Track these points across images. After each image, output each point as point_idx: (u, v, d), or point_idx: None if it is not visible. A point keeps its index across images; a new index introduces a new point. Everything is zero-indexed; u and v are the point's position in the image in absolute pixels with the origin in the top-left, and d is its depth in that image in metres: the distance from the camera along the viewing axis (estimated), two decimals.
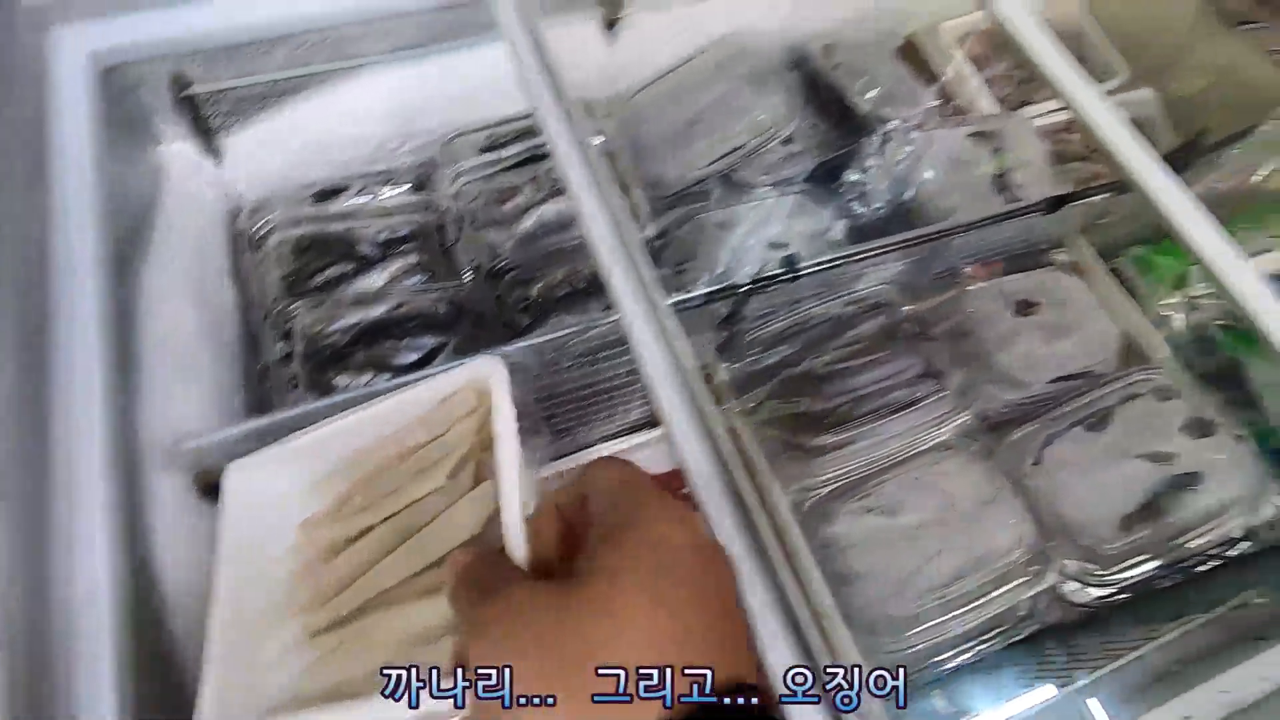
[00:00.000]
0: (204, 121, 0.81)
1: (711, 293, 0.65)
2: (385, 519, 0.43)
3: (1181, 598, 0.71)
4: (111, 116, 0.67)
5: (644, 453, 0.84)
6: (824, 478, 0.71)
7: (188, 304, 0.70)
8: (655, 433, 0.83)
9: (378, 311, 0.70)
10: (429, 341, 0.71)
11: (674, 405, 0.49)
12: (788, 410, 0.74)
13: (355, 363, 0.68)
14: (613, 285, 0.55)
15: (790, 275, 0.67)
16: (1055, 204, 0.77)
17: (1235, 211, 0.81)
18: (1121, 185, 0.64)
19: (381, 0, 0.76)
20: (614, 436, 0.83)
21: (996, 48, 1.13)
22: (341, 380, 0.67)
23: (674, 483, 0.86)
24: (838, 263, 0.68)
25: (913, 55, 1.09)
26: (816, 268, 0.68)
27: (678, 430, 0.49)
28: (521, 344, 0.63)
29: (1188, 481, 0.70)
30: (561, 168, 0.60)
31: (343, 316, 0.69)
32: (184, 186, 0.81)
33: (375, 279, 0.75)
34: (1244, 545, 0.70)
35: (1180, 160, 0.83)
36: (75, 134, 0.63)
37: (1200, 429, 0.73)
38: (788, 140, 0.93)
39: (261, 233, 0.75)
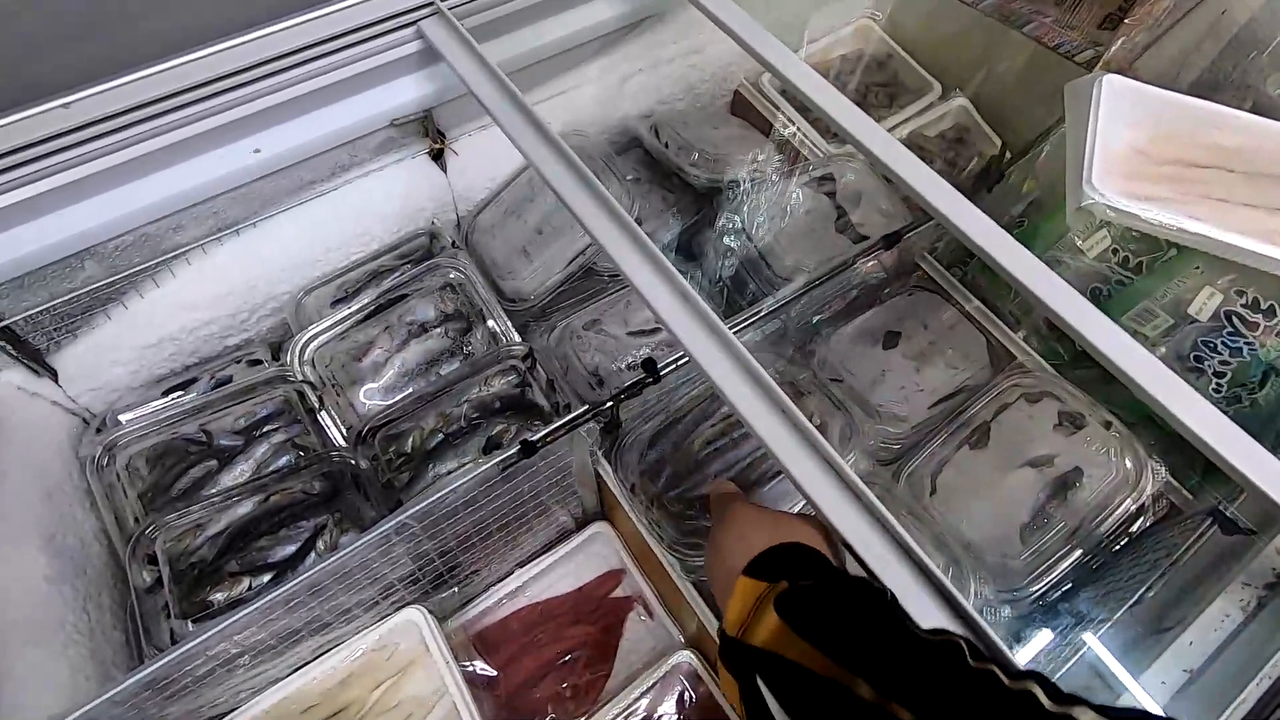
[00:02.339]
0: (27, 346, 0.77)
1: (575, 418, 0.65)
2: None
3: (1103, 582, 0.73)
4: None
5: (555, 572, 0.83)
6: None
7: (36, 551, 0.65)
8: (559, 553, 0.82)
9: (245, 509, 0.67)
10: (306, 526, 0.68)
11: None
12: (679, 501, 0.73)
13: (228, 573, 0.64)
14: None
15: (653, 379, 0.68)
16: (891, 240, 0.80)
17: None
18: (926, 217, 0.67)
19: (189, 188, 0.75)
20: (524, 563, 0.81)
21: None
22: (218, 596, 0.63)
23: (606, 584, 0.85)
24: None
25: (744, 106, 1.13)
26: (675, 365, 0.68)
27: None
28: (410, 510, 0.61)
29: (1071, 480, 0.72)
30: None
31: (208, 526, 0.66)
32: (20, 418, 0.76)
33: (241, 469, 0.72)
34: (1141, 521, 0.73)
35: (990, 180, 0.88)
36: None
37: (1071, 423, 0.76)
38: (638, 222, 0.95)
39: (106, 455, 0.71)
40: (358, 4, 0.76)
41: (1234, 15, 1.13)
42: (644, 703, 0.75)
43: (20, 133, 0.64)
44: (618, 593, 0.84)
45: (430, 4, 0.78)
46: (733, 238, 0.92)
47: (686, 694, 0.76)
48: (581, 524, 0.85)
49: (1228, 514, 0.62)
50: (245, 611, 0.58)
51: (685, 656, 0.76)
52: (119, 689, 0.55)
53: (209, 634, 0.57)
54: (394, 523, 0.59)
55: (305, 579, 0.59)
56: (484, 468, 0.62)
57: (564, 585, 0.84)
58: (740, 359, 0.56)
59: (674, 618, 0.80)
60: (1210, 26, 1.13)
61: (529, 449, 0.63)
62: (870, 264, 0.84)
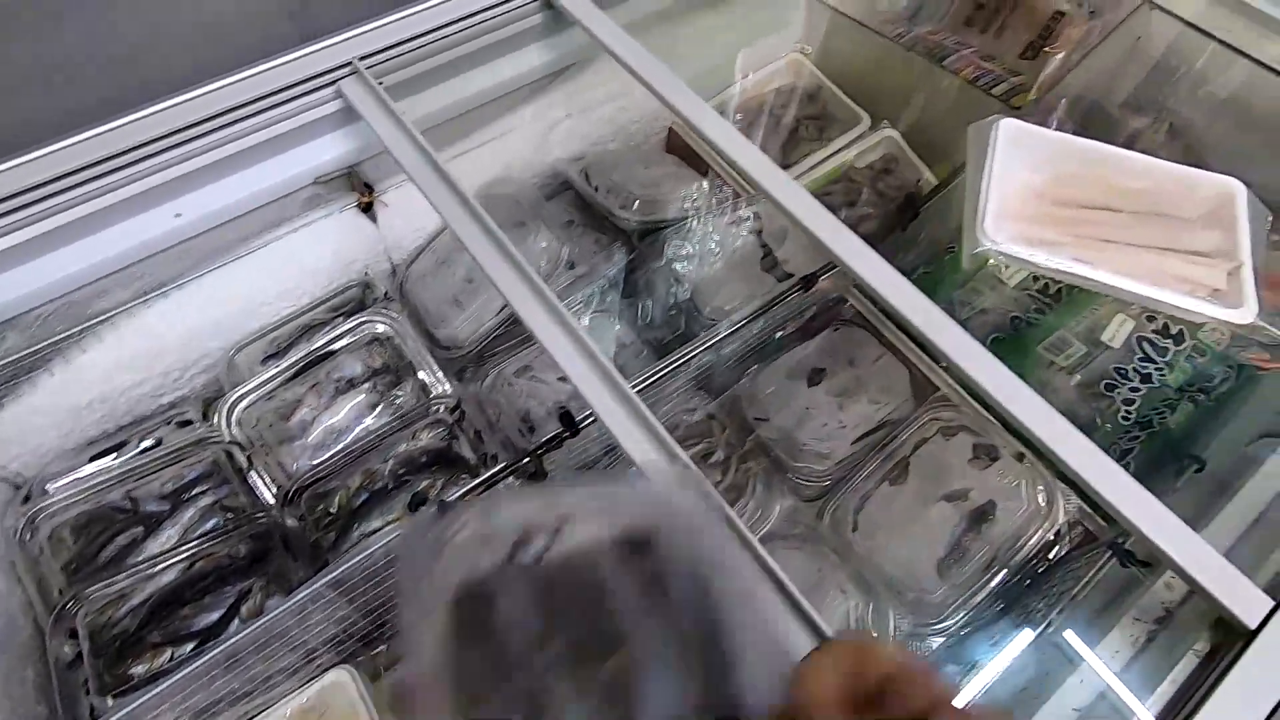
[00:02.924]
0: None
1: (492, 476, 0.66)
2: None
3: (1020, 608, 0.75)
4: None
5: None
6: None
7: None
8: None
9: (169, 577, 0.68)
10: (231, 592, 0.68)
11: None
12: None
13: (151, 644, 0.64)
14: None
15: (570, 433, 0.69)
16: (809, 282, 0.81)
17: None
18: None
19: (110, 256, 0.75)
20: None
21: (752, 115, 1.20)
22: (139, 670, 0.64)
23: None
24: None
25: (678, 144, 1.15)
26: (593, 418, 0.69)
27: None
28: (324, 579, 0.62)
29: (985, 513, 0.74)
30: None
31: (131, 596, 0.66)
32: None
33: (168, 535, 0.72)
34: (1056, 550, 0.75)
35: (905, 219, 0.90)
36: None
37: (986, 456, 0.78)
38: (571, 265, 0.96)
39: (29, 527, 0.71)
40: (277, 66, 0.77)
41: (1150, 41, 1.17)
42: None
43: None
44: None
45: (349, 64, 0.79)
46: (665, 280, 0.94)
47: None
48: None
49: (1125, 546, 0.64)
50: (159, 688, 0.58)
51: None
52: None
53: (122, 713, 0.57)
54: (307, 593, 0.60)
55: (222, 650, 0.60)
56: (399, 532, 0.63)
57: None
58: (641, 418, 0.58)
59: None
60: (1127, 52, 1.17)
61: (445, 510, 0.64)
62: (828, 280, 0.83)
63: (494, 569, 0.35)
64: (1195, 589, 0.52)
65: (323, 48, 0.79)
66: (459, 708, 0.32)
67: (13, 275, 0.72)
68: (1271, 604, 0.51)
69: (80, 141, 0.70)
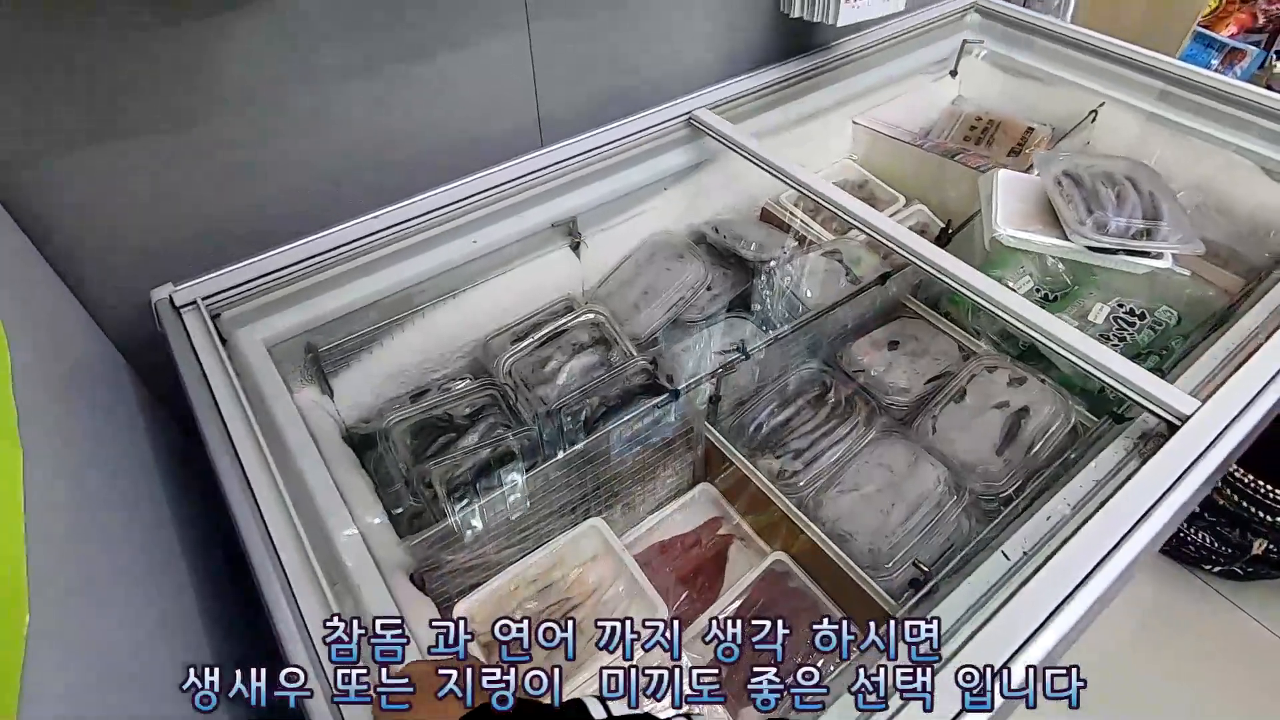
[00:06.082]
0: (322, 371, 1.16)
1: (694, 381, 1.03)
2: None
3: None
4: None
5: (675, 518, 1.16)
6: (807, 480, 1.05)
7: (358, 478, 1.00)
8: (676, 504, 1.15)
9: (484, 454, 1.03)
10: (523, 465, 1.03)
11: None
12: (770, 451, 1.09)
13: (483, 488, 0.99)
14: None
15: (746, 356, 1.06)
16: (884, 278, 1.22)
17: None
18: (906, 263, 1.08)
19: (429, 266, 1.18)
20: (653, 511, 1.14)
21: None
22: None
23: (713, 526, 1.17)
24: (769, 342, 1.08)
25: (769, 216, 1.61)
26: (760, 350, 1.07)
27: None
28: (583, 443, 0.98)
29: (1023, 414, 1.09)
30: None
31: (464, 464, 1.01)
32: (314, 423, 1.13)
33: (472, 438, 1.08)
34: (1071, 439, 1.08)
35: (943, 241, 1.33)
36: (275, 392, 0.97)
37: (1018, 382, 1.13)
38: (710, 288, 1.38)
39: (388, 428, 1.07)
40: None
41: (1096, 146, 1.64)
42: (743, 600, 1.06)
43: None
44: (721, 531, 1.17)
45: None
46: (782, 291, 1.34)
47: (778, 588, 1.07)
48: (690, 485, 1.19)
49: (1119, 413, 0.98)
50: (494, 494, 0.93)
51: (777, 557, 1.07)
52: (444, 525, 0.89)
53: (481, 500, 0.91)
54: (569, 452, 0.95)
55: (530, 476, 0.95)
56: (648, 405, 0.99)
57: (683, 527, 1.17)
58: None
59: (765, 540, 1.12)
60: (1082, 146, 1.64)
61: (675, 394, 1.01)
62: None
63: None
64: (1144, 399, 0.87)
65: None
66: None
67: (395, 269, 1.14)
68: (1198, 403, 0.85)
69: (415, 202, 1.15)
